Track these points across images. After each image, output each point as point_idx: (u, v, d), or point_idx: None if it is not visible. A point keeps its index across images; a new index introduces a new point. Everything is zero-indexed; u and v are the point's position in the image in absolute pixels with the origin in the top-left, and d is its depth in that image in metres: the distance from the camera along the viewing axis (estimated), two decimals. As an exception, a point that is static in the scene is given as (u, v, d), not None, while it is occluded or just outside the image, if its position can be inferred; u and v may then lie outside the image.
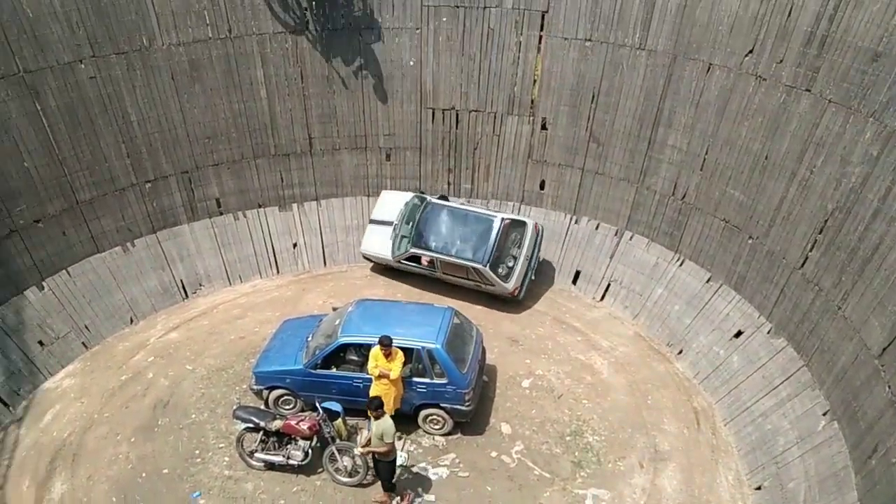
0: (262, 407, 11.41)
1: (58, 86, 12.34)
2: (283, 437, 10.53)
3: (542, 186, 15.24)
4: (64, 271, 13.16)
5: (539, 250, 14.47)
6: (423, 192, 15.39)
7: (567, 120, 14.41)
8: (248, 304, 14.35)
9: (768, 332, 11.79)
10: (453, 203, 14.74)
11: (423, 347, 10.78)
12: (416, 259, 14.27)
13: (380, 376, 10.39)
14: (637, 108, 13.55)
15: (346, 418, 10.79)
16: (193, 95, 13.86)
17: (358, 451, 9.91)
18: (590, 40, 13.50)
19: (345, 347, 11.17)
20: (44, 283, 12.87)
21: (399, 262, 14.48)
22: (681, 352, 13.12)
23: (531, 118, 14.71)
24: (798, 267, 11.29)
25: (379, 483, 10.19)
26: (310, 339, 11.70)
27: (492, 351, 12.82)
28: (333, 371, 11.17)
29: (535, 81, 14.45)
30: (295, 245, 15.50)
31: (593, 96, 13.95)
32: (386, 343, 10.27)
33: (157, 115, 13.62)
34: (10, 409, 11.76)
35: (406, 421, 11.33)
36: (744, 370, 11.84)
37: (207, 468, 10.81)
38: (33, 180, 12.48)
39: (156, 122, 13.66)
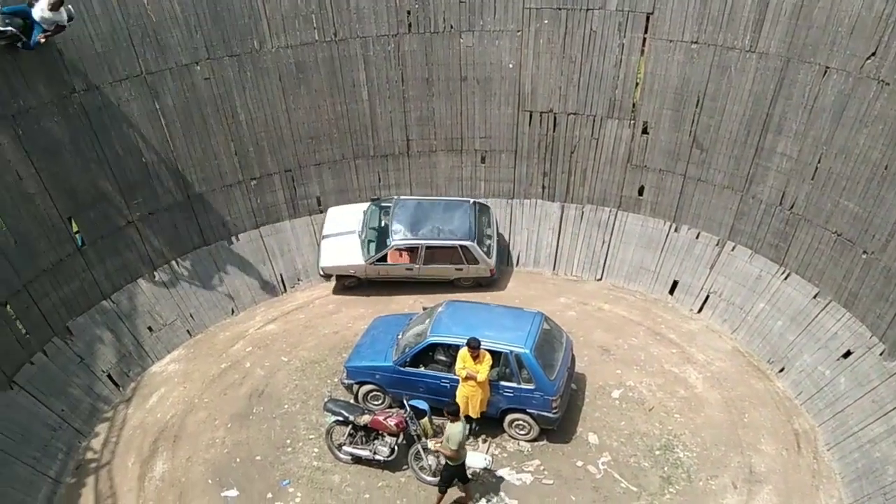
0: (352, 401, 11.66)
1: (175, 86, 13.09)
2: (370, 433, 10.73)
3: (640, 192, 14.86)
4: (174, 261, 13.93)
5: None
6: (377, 198, 15.39)
7: (669, 124, 13.98)
8: (343, 301, 14.71)
9: (881, 354, 11.01)
10: (417, 197, 15.30)
11: (512, 352, 10.72)
12: (383, 260, 14.24)
13: (467, 378, 10.42)
14: (745, 113, 12.98)
15: (433, 417, 10.87)
16: (299, 97, 14.36)
17: (430, 443, 9.96)
18: (696, 42, 13.05)
19: (434, 347, 11.27)
20: (155, 273, 13.67)
21: (373, 263, 14.24)
22: (782, 370, 12.46)
23: (632, 122, 14.36)
24: (919, 286, 10.51)
25: (464, 486, 10.20)
26: (400, 337, 11.87)
27: (582, 359, 12.60)
28: (422, 370, 11.29)
29: (637, 84, 14.10)
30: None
31: (698, 100, 13.47)
32: (474, 345, 10.28)
33: (264, 115, 14.20)
34: (121, 389, 12.54)
35: (492, 424, 11.31)
36: (851, 393, 11.11)
37: (297, 458, 11.16)
38: (150, 175, 13.28)
39: (263, 122, 14.25)
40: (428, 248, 14.04)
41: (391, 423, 10.47)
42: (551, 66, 14.35)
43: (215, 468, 11.03)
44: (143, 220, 13.40)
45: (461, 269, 14.34)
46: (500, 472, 10.84)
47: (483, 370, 10.33)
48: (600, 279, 15.17)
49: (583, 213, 15.36)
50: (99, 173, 12.58)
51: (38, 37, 10.76)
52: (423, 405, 10.70)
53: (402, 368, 11.30)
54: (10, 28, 10.57)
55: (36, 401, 11.08)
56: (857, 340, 11.46)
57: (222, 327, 14.06)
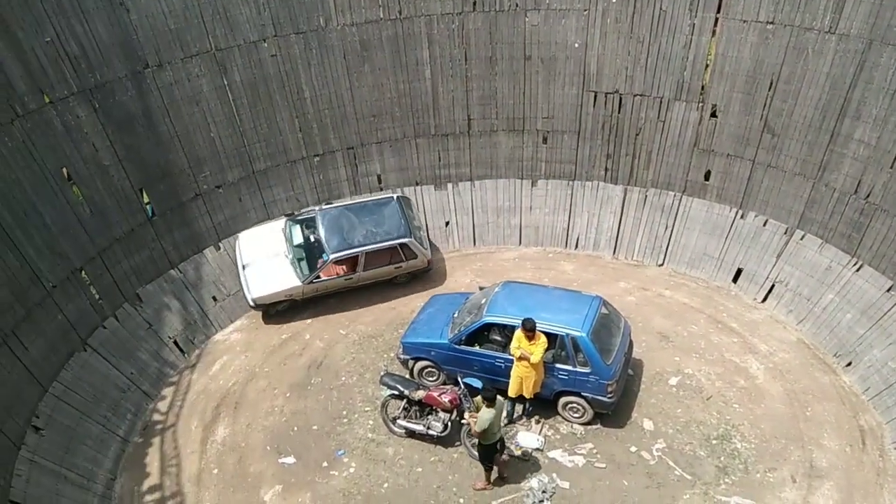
0: (408, 376, 11.81)
1: (243, 63, 13.36)
2: (424, 408, 10.86)
3: (706, 177, 14.47)
4: (239, 234, 14.29)
5: None
6: (291, 214, 14.55)
7: (740, 108, 13.54)
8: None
9: (959, 352, 10.53)
10: (339, 203, 14.46)
11: (568, 335, 10.66)
12: (313, 269, 13.43)
13: (520, 358, 10.41)
14: (821, 98, 12.47)
15: (486, 396, 10.91)
16: (362, 74, 14.47)
17: (466, 414, 10.09)
18: (772, 23, 12.57)
19: (489, 327, 11.30)
20: (220, 244, 14.08)
21: (311, 282, 13.32)
22: (849, 364, 12.04)
23: (700, 105, 13.97)
24: None
25: (499, 471, 10.36)
26: (456, 315, 11.94)
27: (640, 345, 12.43)
28: (476, 348, 11.34)
29: (706, 66, 13.69)
30: (447, 223, 15.82)
31: (771, 83, 13.00)
32: (529, 327, 10.26)
33: (328, 92, 14.36)
34: (186, 355, 13.00)
35: (545, 406, 11.29)
36: (925, 391, 10.69)
37: (353, 429, 11.39)
38: (217, 149, 13.64)
39: (327, 99, 14.42)
40: (367, 253, 13.42)
41: (445, 399, 10.57)
42: (618, 46, 14.05)
43: (273, 435, 11.36)
44: (210, 193, 13.80)
45: (400, 267, 13.98)
46: (552, 454, 10.84)
47: (537, 352, 10.31)
48: (662, 265, 14.90)
49: (646, 196, 15.07)
50: (169, 147, 12.99)
51: None
52: (476, 383, 10.74)
53: (457, 346, 11.37)
54: None
55: (108, 363, 11.59)
56: (932, 336, 10.98)
57: (283, 300, 14.40)
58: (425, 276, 14.55)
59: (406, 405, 10.95)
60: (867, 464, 10.51)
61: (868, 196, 12.22)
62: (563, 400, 11.19)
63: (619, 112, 14.70)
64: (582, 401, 11.01)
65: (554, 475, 10.49)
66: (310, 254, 13.68)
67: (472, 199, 15.84)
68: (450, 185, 15.85)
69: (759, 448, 10.81)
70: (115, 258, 12.29)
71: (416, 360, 11.88)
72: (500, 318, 11.10)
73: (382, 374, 11.45)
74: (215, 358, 13.00)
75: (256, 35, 13.34)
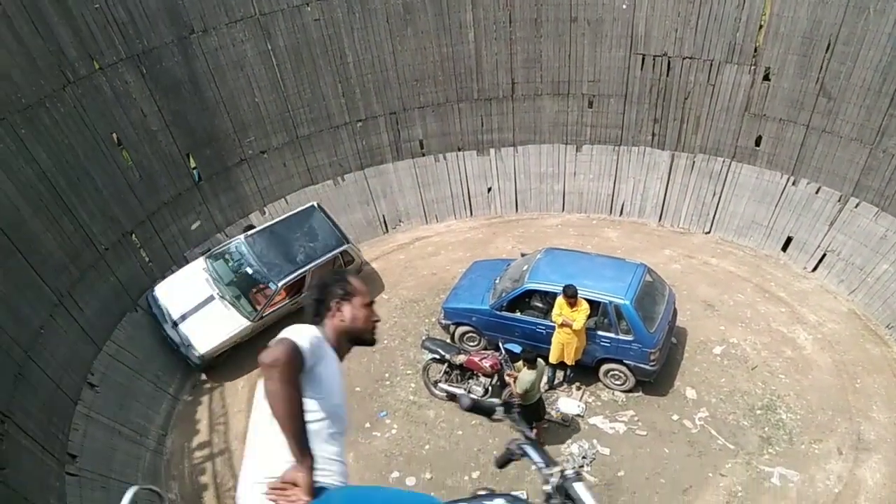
0: (449, 341, 11.89)
1: (286, 27, 13.36)
2: (465, 372, 10.95)
3: (757, 143, 14.06)
4: (283, 199, 14.47)
5: None
6: (208, 251, 12.73)
7: (794, 70, 13.07)
8: (442, 243, 14.90)
9: None
10: (262, 226, 12.85)
11: (611, 302, 10.57)
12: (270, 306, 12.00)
13: (562, 325, 10.39)
14: (881, 60, 11.95)
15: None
16: (405, 38, 14.34)
17: (507, 375, 10.18)
18: (831, -20, 12.05)
19: (530, 293, 11.27)
20: (265, 209, 14.26)
21: (261, 317, 11.85)
22: (904, 336, 11.73)
23: (753, 67, 13.52)
24: None
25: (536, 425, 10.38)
26: (497, 281, 11.93)
27: (684, 313, 12.27)
28: (517, 315, 11.34)
29: (760, 27, 13.21)
30: (489, 189, 15.74)
31: (829, 45, 12.50)
32: (570, 293, 10.19)
33: (371, 57, 14.29)
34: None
35: (587, 373, 11.28)
36: (982, 365, 10.35)
37: (395, 391, 11.56)
38: (261, 114, 13.73)
39: (369, 63, 14.35)
40: (314, 270, 12.30)
41: (486, 364, 10.63)
42: (667, 7, 13.63)
43: (318, 396, 11.57)
44: (255, 158, 13.94)
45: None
46: (592, 420, 10.85)
47: (579, 318, 10.26)
48: (708, 232, 14.62)
49: (694, 162, 14.74)
50: (215, 112, 13.13)
51: None
52: (518, 349, 10.78)
53: (498, 312, 11.38)
54: None
55: (158, 324, 11.92)
56: None
57: (327, 264, 14.58)
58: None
59: (447, 369, 11.05)
60: (918, 438, 10.28)
61: (929, 162, 11.75)
62: (604, 367, 11.15)
63: (667, 75, 14.33)
64: (624, 368, 10.95)
65: (594, 441, 10.52)
66: (247, 288, 12.07)
67: (515, 164, 15.70)
68: (492, 151, 15.72)
69: (804, 419, 10.65)
70: (163, 222, 12.57)
71: (458, 325, 11.95)
72: (541, 285, 11.06)
73: (424, 338, 11.57)
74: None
75: (300, -1, 13.33)
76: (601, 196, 15.46)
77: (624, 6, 13.91)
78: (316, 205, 13.39)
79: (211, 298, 11.87)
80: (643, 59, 14.37)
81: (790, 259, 13.71)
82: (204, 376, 12.04)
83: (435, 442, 10.68)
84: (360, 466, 10.35)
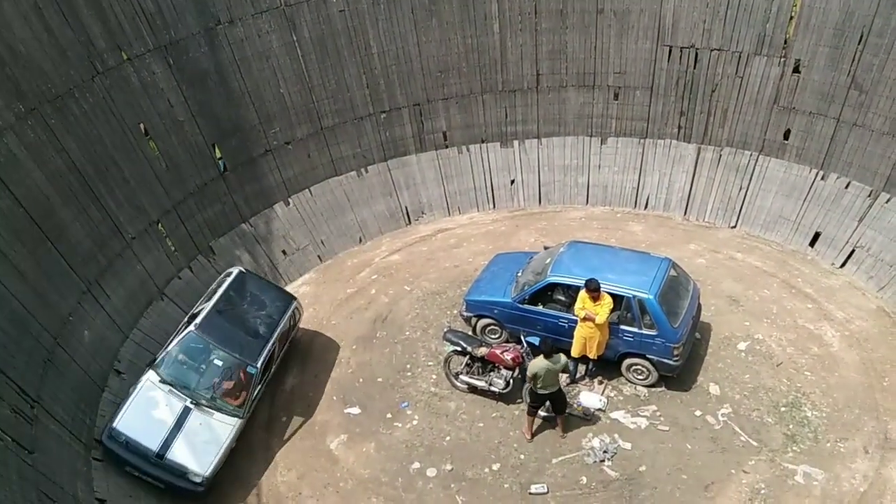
0: (470, 333, 11.90)
1: (311, 18, 13.39)
2: (487, 364, 10.95)
3: (786, 136, 13.84)
4: (307, 190, 14.54)
5: None
6: (152, 361, 10.33)
7: (825, 63, 12.83)
8: (464, 235, 14.89)
9: None
10: (201, 312, 10.71)
11: (635, 296, 10.49)
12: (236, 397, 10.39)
13: (585, 319, 10.34)
14: (915, 51, 11.70)
15: (549, 355, 10.91)
16: (430, 29, 14.31)
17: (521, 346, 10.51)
18: (864, -30, 11.80)
19: (553, 286, 11.22)
20: (289, 200, 14.35)
21: (251, 409, 10.49)
22: (934, 334, 11.51)
23: (782, 59, 13.29)
24: None
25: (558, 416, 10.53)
26: (520, 274, 11.90)
27: (708, 308, 12.15)
28: (540, 308, 11.30)
29: (791, 18, 12.99)
30: (513, 182, 15.68)
31: (861, 36, 12.25)
32: (593, 287, 10.15)
33: (395, 48, 14.28)
34: (257, 307, 13.40)
35: (609, 367, 11.22)
36: None
37: (416, 382, 11.59)
38: (286, 105, 13.80)
39: (394, 55, 14.34)
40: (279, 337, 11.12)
41: (508, 357, 10.62)
42: (696, -3, 13.46)
43: (340, 386, 11.67)
44: (279, 149, 14.01)
45: (296, 326, 12.12)
46: (614, 415, 10.79)
47: (602, 312, 10.21)
48: (734, 227, 14.44)
49: (720, 156, 14.56)
50: (240, 103, 13.22)
51: None
52: (539, 342, 10.75)
53: (520, 305, 11.35)
54: None
55: (183, 312, 12.03)
56: None
57: (350, 255, 14.64)
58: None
59: (469, 361, 11.05)
60: (947, 438, 10.10)
61: (963, 157, 11.50)
62: (627, 361, 11.08)
63: (694, 67, 14.15)
64: (647, 363, 10.88)
65: (616, 436, 10.47)
66: (219, 383, 10.34)
67: (539, 156, 15.62)
68: (516, 143, 15.65)
69: (830, 417, 10.50)
70: (189, 211, 12.70)
71: (479, 317, 11.94)
72: (564, 279, 11.01)
73: (446, 330, 11.58)
74: (284, 310, 13.36)
75: (325, -10, 13.34)
76: (626, 189, 15.33)
77: (651, -3, 13.76)
78: (242, 269, 11.73)
79: (187, 411, 9.95)
80: (670, 51, 14.20)
81: (818, 255, 13.50)
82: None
83: (455, 433, 10.71)
84: (381, 457, 10.43)
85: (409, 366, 11.90)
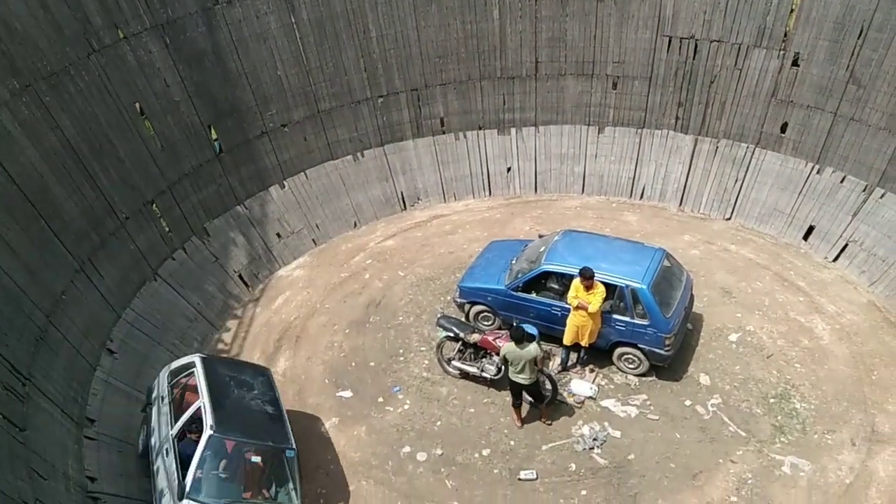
0: (463, 320, 11.92)
1: (310, 0, 13.29)
2: (479, 351, 10.98)
3: (783, 129, 13.85)
4: (302, 173, 14.51)
5: None
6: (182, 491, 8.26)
7: (825, 56, 12.83)
8: (460, 222, 14.89)
9: None
10: (203, 412, 8.84)
11: (628, 286, 10.52)
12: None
13: (578, 307, 10.37)
14: (914, 47, 11.71)
15: (541, 343, 10.93)
16: (429, 14, 14.24)
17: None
18: (866, -36, 11.77)
19: (547, 275, 11.24)
20: (285, 182, 14.31)
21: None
22: (924, 330, 11.59)
23: (782, 52, 13.28)
24: None
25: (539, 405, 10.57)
26: (514, 262, 11.92)
27: (701, 299, 12.21)
28: (533, 296, 11.32)
29: (791, 11, 12.97)
30: (509, 169, 15.67)
31: (861, 30, 12.24)
32: (587, 275, 10.18)
33: (394, 32, 14.21)
34: (250, 289, 13.41)
35: (600, 356, 11.27)
36: None
37: (408, 367, 11.63)
38: (283, 88, 13.73)
39: (392, 39, 14.28)
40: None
41: (500, 343, 10.62)
42: (697, -13, 13.42)
43: (332, 369, 11.70)
44: (276, 131, 13.96)
45: None
46: (604, 403, 10.85)
47: (595, 301, 10.24)
48: (729, 219, 14.48)
49: (717, 147, 14.58)
50: (237, 84, 13.15)
51: None
52: (533, 330, 10.74)
53: (513, 293, 11.38)
54: None
55: (176, 293, 12.06)
56: None
57: (345, 239, 14.63)
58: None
59: (461, 347, 11.08)
60: (933, 432, 10.19)
61: (959, 154, 11.53)
62: (618, 350, 11.13)
63: (693, 58, 14.13)
64: (638, 352, 10.93)
65: (606, 424, 10.53)
66: (265, 478, 8.83)
67: (536, 144, 15.61)
68: (513, 130, 15.63)
69: (818, 409, 10.58)
70: (184, 192, 12.65)
71: (473, 304, 11.96)
72: (558, 267, 11.03)
73: (439, 316, 11.61)
74: (278, 293, 13.37)
75: (324, -29, 13.25)
76: (622, 179, 15.35)
77: (652, -14, 13.71)
78: (202, 355, 10.03)
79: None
80: (670, 41, 14.17)
81: (811, 248, 13.56)
82: (221, 346, 12.20)
83: (446, 419, 10.75)
84: (371, 440, 10.46)
85: (401, 351, 11.94)
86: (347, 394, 11.26)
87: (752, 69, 13.69)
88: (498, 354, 10.73)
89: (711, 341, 11.78)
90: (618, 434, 10.39)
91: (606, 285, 10.42)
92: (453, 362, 11.16)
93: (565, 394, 10.94)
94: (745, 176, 14.33)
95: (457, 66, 14.93)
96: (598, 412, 10.72)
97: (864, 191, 13.01)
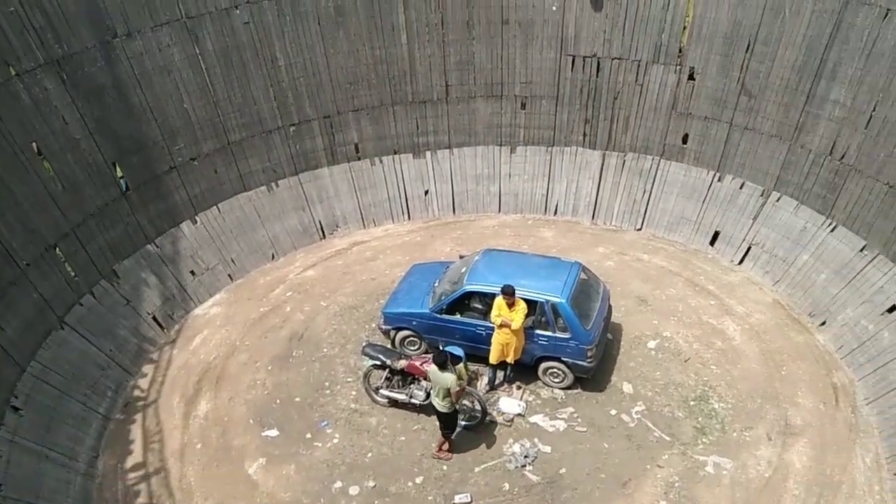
0: (389, 346, 11.84)
1: (215, 30, 13.05)
2: (407, 377, 10.91)
3: (684, 140, 14.49)
4: (215, 207, 14.13)
5: None
6: None
7: (717, 70, 13.52)
8: (380, 247, 14.83)
9: (930, 310, 10.75)
10: None
11: (548, 301, 10.71)
12: None
13: (501, 325, 10.47)
14: (797, 59, 12.48)
15: (468, 364, 10.98)
16: (337, 41, 14.21)
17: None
18: (748, -17, 12.50)
19: (470, 295, 11.31)
20: (197, 218, 13.90)
21: None
22: (823, 323, 12.26)
23: (678, 67, 13.92)
24: (973, 241, 10.14)
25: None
26: (436, 284, 11.94)
27: (619, 309, 12.55)
28: (458, 317, 11.37)
29: (684, 28, 13.62)
30: (426, 192, 15.75)
31: (748, 45, 12.98)
32: (508, 293, 10.30)
33: (303, 60, 14.11)
34: (165, 331, 12.91)
35: (526, 372, 11.40)
36: (895, 348, 10.90)
37: (335, 400, 11.43)
38: (191, 121, 13.38)
39: (301, 67, 14.16)
40: None
41: (427, 367, 10.61)
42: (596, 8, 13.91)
43: (256, 408, 11.38)
44: (185, 165, 13.56)
45: None
46: (533, 419, 10.97)
47: (517, 318, 10.37)
48: (640, 229, 14.99)
49: (624, 161, 15.09)
50: (141, 119, 12.72)
51: None
52: (459, 351, 10.77)
53: (438, 315, 11.39)
54: None
55: (86, 341, 11.48)
56: (904, 295, 11.19)
57: (263, 272, 14.32)
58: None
59: (388, 375, 10.99)
60: (840, 420, 10.76)
61: (843, 157, 12.33)
62: (543, 365, 11.29)
63: (596, 76, 14.62)
64: (562, 366, 11.11)
65: (536, 440, 10.64)
66: None
67: (451, 166, 15.76)
68: (428, 153, 15.73)
69: (735, 408, 11.02)
70: (89, 234, 12.09)
71: (398, 329, 11.90)
72: (480, 286, 11.12)
73: (364, 344, 11.49)
74: (195, 332, 12.93)
75: (228, 2, 13.01)
76: (536, 196, 15.67)
77: (554, 8, 14.13)
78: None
79: None
80: (573, 60, 14.62)
81: (718, 253, 14.18)
82: (137, 392, 11.69)
83: (377, 449, 10.62)
84: (301, 478, 10.21)
85: (327, 383, 11.73)
86: (273, 433, 10.96)
87: (653, 84, 14.28)
88: (426, 379, 10.71)
89: (631, 349, 12.11)
90: (548, 449, 10.51)
91: (527, 301, 10.57)
92: (381, 391, 11.05)
93: (494, 413, 11.00)
94: (652, 187, 14.88)
95: (368, 92, 14.94)
96: (528, 429, 10.83)
97: (761, 195, 13.73)
